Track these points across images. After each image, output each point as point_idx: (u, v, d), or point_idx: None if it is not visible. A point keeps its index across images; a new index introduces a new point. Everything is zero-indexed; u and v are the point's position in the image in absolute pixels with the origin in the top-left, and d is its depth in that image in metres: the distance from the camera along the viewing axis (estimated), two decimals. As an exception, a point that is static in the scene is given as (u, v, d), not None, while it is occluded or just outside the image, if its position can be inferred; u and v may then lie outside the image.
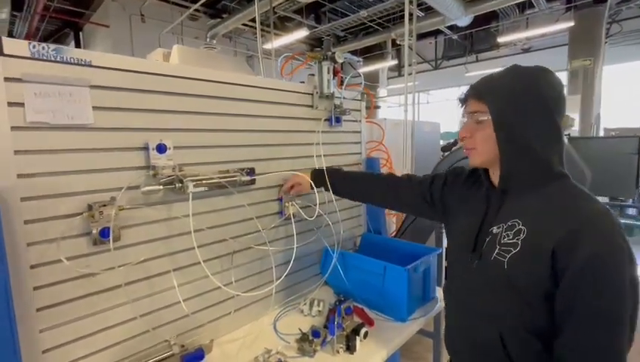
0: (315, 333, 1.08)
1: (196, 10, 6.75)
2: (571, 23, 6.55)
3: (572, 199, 0.71)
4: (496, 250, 0.74)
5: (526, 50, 9.34)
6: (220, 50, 7.21)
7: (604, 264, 0.63)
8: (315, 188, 1.24)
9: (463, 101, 0.85)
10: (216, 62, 2.55)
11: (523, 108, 0.73)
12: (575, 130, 5.41)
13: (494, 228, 0.77)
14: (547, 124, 0.73)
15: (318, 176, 1.27)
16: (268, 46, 5.31)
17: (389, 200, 1.21)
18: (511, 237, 0.73)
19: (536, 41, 8.88)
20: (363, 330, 1.07)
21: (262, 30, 4.04)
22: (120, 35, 7.12)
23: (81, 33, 8.02)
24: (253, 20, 3.24)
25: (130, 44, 7.13)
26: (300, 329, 1.08)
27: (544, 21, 7.59)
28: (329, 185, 1.24)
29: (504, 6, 6.45)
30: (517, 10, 7.74)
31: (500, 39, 8.19)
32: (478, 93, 0.79)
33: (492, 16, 8.13)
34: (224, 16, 7.39)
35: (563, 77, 6.89)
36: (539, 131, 0.72)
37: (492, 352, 0.76)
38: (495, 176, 0.82)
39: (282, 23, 7.78)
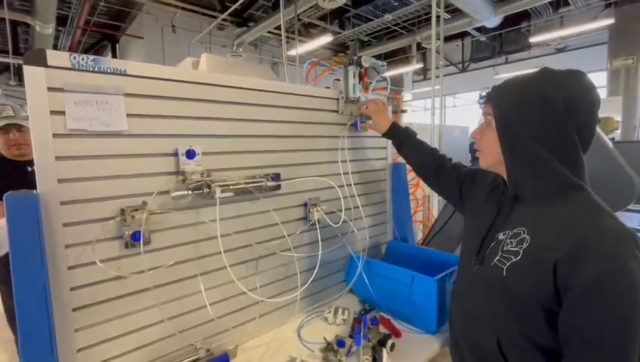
0: (340, 343, 1.06)
1: (224, 19, 6.97)
2: (611, 20, 6.19)
3: (584, 213, 0.65)
4: (498, 256, 0.73)
5: (560, 50, 8.91)
6: (245, 57, 7.39)
7: (606, 289, 0.57)
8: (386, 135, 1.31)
9: (482, 104, 0.82)
10: (242, 69, 2.60)
11: (524, 110, 0.69)
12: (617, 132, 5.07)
13: (500, 234, 0.75)
14: (555, 129, 0.67)
15: (395, 129, 1.29)
16: (292, 52, 5.38)
17: (430, 179, 1.21)
18: (514, 245, 0.70)
19: (572, 41, 8.46)
20: (390, 342, 1.03)
21: (287, 37, 4.11)
22: (153, 46, 7.47)
23: (117, 45, 8.49)
24: (279, 28, 3.30)
25: (162, 54, 7.47)
26: (324, 339, 1.06)
27: (580, 19, 7.22)
28: (398, 143, 1.29)
29: (537, 5, 6.20)
30: (550, 9, 7.41)
31: (532, 39, 7.86)
32: (489, 94, 0.78)
33: (523, 16, 7.84)
34: (250, 24, 7.57)
35: (602, 77, 6.50)
36: (545, 138, 0.67)
37: (493, 360, 0.73)
38: (503, 175, 0.80)
39: (307, 30, 7.88)
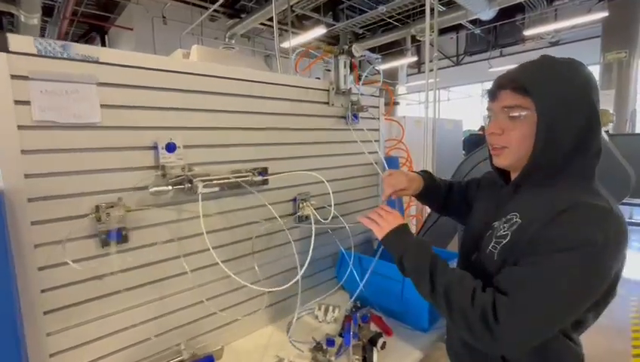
0: (330, 342, 1.03)
1: (215, 11, 6.83)
2: (605, 14, 6.18)
3: (575, 192, 0.68)
4: (492, 243, 0.74)
5: (554, 44, 8.91)
6: (238, 50, 7.26)
7: (553, 245, 0.62)
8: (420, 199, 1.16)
9: (494, 93, 0.77)
10: (234, 61, 2.53)
11: (571, 112, 0.67)
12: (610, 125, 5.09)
13: (496, 222, 0.77)
14: (593, 131, 0.69)
15: (429, 185, 1.12)
16: (286, 45, 5.28)
17: (438, 209, 1.19)
18: (505, 229, 0.72)
19: (565, 34, 8.46)
20: (380, 341, 1.00)
21: (280, 29, 4.02)
22: (143, 37, 7.30)
23: (106, 36, 8.28)
24: (272, 19, 3.22)
25: (153, 46, 7.30)
26: (313, 338, 1.02)
27: (574, 12, 7.21)
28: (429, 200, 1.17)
29: (531, -3, 6.16)
30: (545, 2, 7.39)
31: (527, 32, 7.84)
32: (521, 85, 0.70)
33: (518, 9, 7.80)
34: (242, 16, 7.43)
35: (595, 71, 6.52)
36: (583, 138, 0.69)
37: (489, 358, 0.77)
38: (514, 175, 0.80)
39: (300, 22, 7.75)
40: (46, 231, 0.76)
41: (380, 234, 0.89)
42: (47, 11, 6.58)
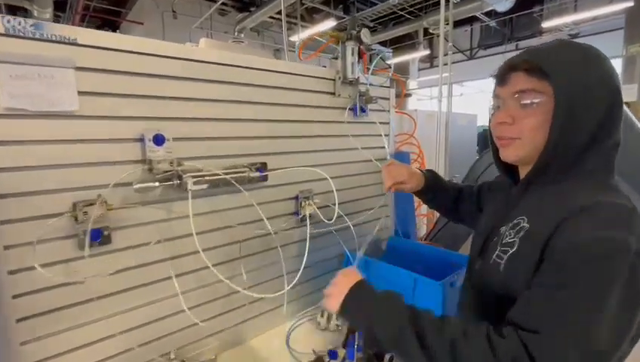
0: (332, 354, 0.94)
1: (225, 4, 6.76)
2: (630, 4, 5.87)
3: (591, 189, 0.59)
4: (497, 251, 0.65)
5: (573, 36, 8.55)
6: (247, 43, 7.19)
7: (579, 255, 0.51)
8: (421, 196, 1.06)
9: (503, 77, 0.66)
10: (242, 53, 2.46)
11: (592, 99, 0.58)
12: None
13: (503, 227, 0.68)
14: (614, 122, 0.61)
15: (431, 184, 1.04)
16: (295, 38, 5.18)
17: (451, 214, 1.10)
18: (512, 236, 0.63)
19: (585, 26, 8.11)
20: (388, 356, 0.91)
21: (289, 22, 3.92)
22: (153, 32, 7.28)
23: (118, 31, 8.29)
24: (281, 13, 3.13)
25: (163, 40, 7.28)
26: (313, 351, 0.94)
27: (596, 3, 6.90)
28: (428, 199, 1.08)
29: (551, -13, 5.90)
30: (565, -8, 7.08)
31: (545, 24, 7.54)
32: (537, 66, 0.60)
33: (535, 0, 7.51)
34: (252, 9, 7.34)
35: (617, 64, 6.21)
36: (599, 126, 0.60)
37: None
38: (523, 171, 0.70)
39: (310, 15, 7.62)
40: (17, 231, 0.69)
41: (333, 306, 0.70)
42: (60, 6, 6.61)
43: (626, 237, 0.50)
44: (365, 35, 1.16)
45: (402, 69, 9.62)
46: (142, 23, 7.38)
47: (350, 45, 1.19)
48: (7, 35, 0.66)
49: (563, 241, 0.53)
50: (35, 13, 5.91)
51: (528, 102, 0.62)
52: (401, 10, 7.71)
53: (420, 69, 10.45)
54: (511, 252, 0.61)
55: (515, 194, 0.71)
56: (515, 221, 0.64)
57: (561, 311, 0.50)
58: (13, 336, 0.70)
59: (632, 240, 0.50)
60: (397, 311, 0.61)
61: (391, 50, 8.73)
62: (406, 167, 1.07)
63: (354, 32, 1.17)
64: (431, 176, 1.05)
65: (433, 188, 1.04)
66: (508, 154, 0.68)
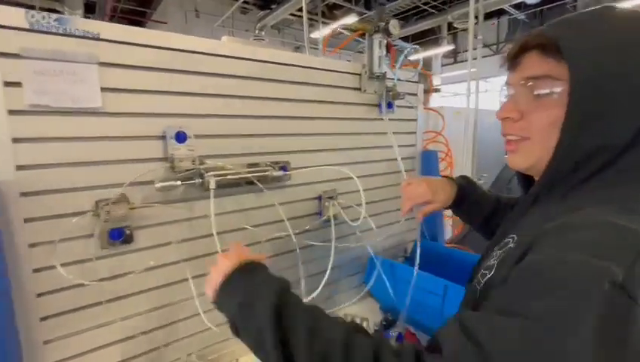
0: None
1: (246, 2, 6.78)
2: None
3: (602, 208, 0.44)
4: (479, 273, 0.56)
5: (611, 29, 8.06)
6: (268, 41, 7.21)
7: (532, 278, 0.40)
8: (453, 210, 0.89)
9: (515, 58, 0.54)
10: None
11: (634, 84, 0.44)
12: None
13: (496, 246, 0.57)
14: None
15: (465, 200, 0.87)
16: (316, 35, 5.13)
17: (478, 226, 0.92)
18: (495, 257, 0.54)
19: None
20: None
21: (310, 19, 3.87)
22: (176, 31, 7.35)
23: (142, 31, 8.53)
24: (302, 10, 3.09)
25: (185, 39, 7.42)
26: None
27: (637, -8, 6.44)
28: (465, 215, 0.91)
29: (587, -24, 5.55)
30: (602, -19, 6.66)
31: (579, 16, 7.12)
32: (552, 41, 0.47)
33: (570, -10, 7.11)
34: (273, 7, 7.35)
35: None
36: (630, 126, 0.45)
37: None
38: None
39: (330, 11, 7.54)
40: (41, 229, 0.68)
41: (208, 291, 0.62)
42: (90, 8, 6.86)
43: (607, 266, 0.36)
44: (394, 26, 1.10)
45: (425, 65, 9.40)
46: (165, 23, 7.54)
47: (378, 38, 1.13)
48: (31, 30, 0.65)
49: (525, 261, 0.43)
50: (66, 15, 6.17)
51: (541, 91, 0.49)
52: (425, 4, 7.50)
53: (443, 65, 10.16)
54: (488, 276, 0.53)
55: (516, 210, 0.60)
56: (505, 240, 0.54)
57: (489, 337, 0.38)
58: (37, 335, 0.70)
59: (619, 272, 0.35)
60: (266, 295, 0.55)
61: (417, 47, 8.54)
62: (427, 182, 0.86)
63: (382, 24, 1.11)
64: (467, 186, 0.88)
65: (468, 200, 0.87)
66: (515, 162, 0.56)
